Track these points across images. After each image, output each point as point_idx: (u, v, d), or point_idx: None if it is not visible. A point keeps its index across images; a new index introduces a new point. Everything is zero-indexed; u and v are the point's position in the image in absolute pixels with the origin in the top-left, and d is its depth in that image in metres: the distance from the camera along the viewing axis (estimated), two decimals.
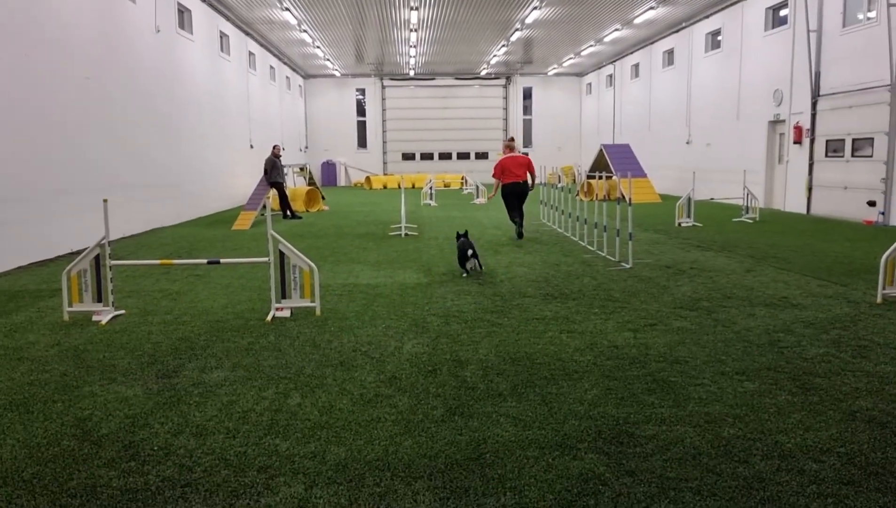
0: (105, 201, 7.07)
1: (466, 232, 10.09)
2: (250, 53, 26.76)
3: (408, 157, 41.36)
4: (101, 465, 3.70)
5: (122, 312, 7.35)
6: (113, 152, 14.43)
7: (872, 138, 15.96)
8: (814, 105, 18.06)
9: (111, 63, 14.48)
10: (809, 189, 18.45)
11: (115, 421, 4.31)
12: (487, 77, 40.40)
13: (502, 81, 40.91)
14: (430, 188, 24.98)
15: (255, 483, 3.46)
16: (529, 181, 13.22)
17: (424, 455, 3.75)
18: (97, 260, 7.08)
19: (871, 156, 16.05)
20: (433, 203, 23.89)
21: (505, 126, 41.32)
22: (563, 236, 13.87)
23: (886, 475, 3.46)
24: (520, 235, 13.28)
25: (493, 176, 13.37)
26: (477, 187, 25.75)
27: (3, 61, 10.62)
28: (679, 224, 15.72)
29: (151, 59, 16.72)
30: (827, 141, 17.74)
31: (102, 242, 7.01)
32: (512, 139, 14.25)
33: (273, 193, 18.74)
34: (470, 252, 9.39)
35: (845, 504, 3.19)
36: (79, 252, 7.15)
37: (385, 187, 35.99)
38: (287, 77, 34.45)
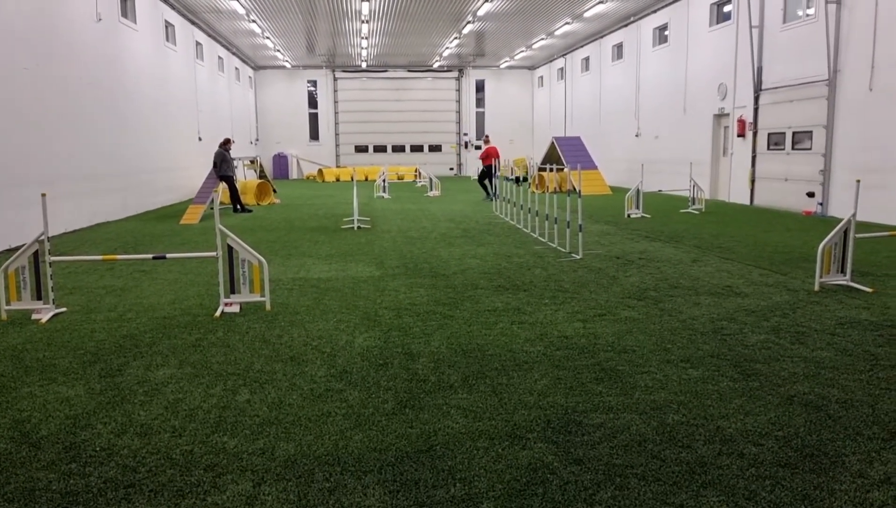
0: (43, 195, 6.84)
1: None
2: (197, 43, 26.17)
3: (361, 149, 41.07)
4: (40, 468, 3.59)
5: (64, 310, 7.14)
6: (53, 145, 13.97)
7: (811, 132, 16.48)
8: (756, 99, 18.55)
9: (50, 53, 13.99)
10: (752, 181, 18.96)
11: (55, 422, 4.19)
12: (440, 70, 40.35)
13: (455, 74, 40.91)
14: (384, 181, 24.86)
15: (201, 481, 3.41)
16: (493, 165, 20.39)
17: (375, 449, 3.75)
18: (36, 256, 6.85)
19: (810, 149, 16.57)
20: (386, 196, 23.80)
21: (458, 119, 41.37)
22: (516, 228, 13.97)
23: (821, 456, 3.59)
24: (488, 194, 21.08)
25: (481, 157, 22.05)
26: (430, 180, 25.74)
27: None
28: (628, 215, 15.99)
29: (93, 49, 16.21)
30: (769, 134, 18.25)
31: (41, 237, 6.79)
32: (487, 137, 23.74)
33: (223, 186, 18.41)
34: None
35: (782, 485, 3.30)
36: (16, 249, 6.91)
37: (338, 180, 35.71)
38: (236, 68, 33.81)
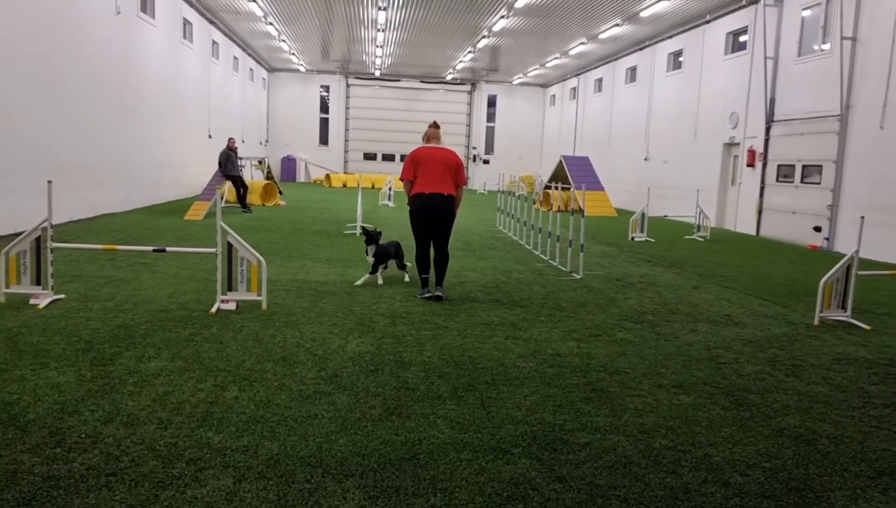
0: (49, 182, 6.87)
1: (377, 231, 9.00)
2: (214, 42, 26.35)
3: (369, 156, 41.21)
4: (24, 451, 3.58)
5: (62, 296, 7.15)
6: (64, 134, 14.05)
7: (821, 166, 16.48)
8: (767, 130, 18.58)
9: (66, 42, 14.10)
10: (759, 211, 18.95)
11: (43, 407, 4.19)
12: (453, 82, 40.53)
13: (467, 87, 41.09)
14: (389, 189, 24.92)
15: (182, 474, 3.40)
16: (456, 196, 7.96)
17: (358, 454, 3.73)
18: (38, 242, 6.87)
19: (819, 183, 16.56)
20: (391, 204, 23.84)
21: (468, 132, 41.51)
22: (518, 244, 13.97)
23: (806, 490, 3.56)
24: (426, 283, 8.10)
25: (403, 177, 8.06)
26: None
27: None
28: (632, 238, 15.98)
29: (109, 42, 16.33)
30: (778, 166, 18.26)
31: (44, 224, 6.82)
32: (436, 124, 8.45)
33: (228, 185, 18.47)
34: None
35: None
36: (21, 233, 6.94)
37: (345, 186, 35.80)
38: (251, 69, 34.02)
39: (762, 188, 18.87)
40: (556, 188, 15.22)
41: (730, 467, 3.80)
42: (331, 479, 3.43)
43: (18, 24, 12.16)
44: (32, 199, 11.92)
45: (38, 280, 6.93)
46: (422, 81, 40.42)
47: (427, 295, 7.93)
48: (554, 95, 39.85)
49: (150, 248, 7.52)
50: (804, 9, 17.36)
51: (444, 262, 8.02)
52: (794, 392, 5.17)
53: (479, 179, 39.77)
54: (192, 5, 22.71)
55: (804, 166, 17.19)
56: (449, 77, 39.27)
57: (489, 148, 41.81)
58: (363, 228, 9.08)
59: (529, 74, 36.60)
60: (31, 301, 6.83)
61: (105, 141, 16.24)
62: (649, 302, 8.44)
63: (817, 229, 16.40)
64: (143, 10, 18.63)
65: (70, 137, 14.34)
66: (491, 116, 41.90)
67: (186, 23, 22.72)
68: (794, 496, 3.50)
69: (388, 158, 41.20)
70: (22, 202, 12.03)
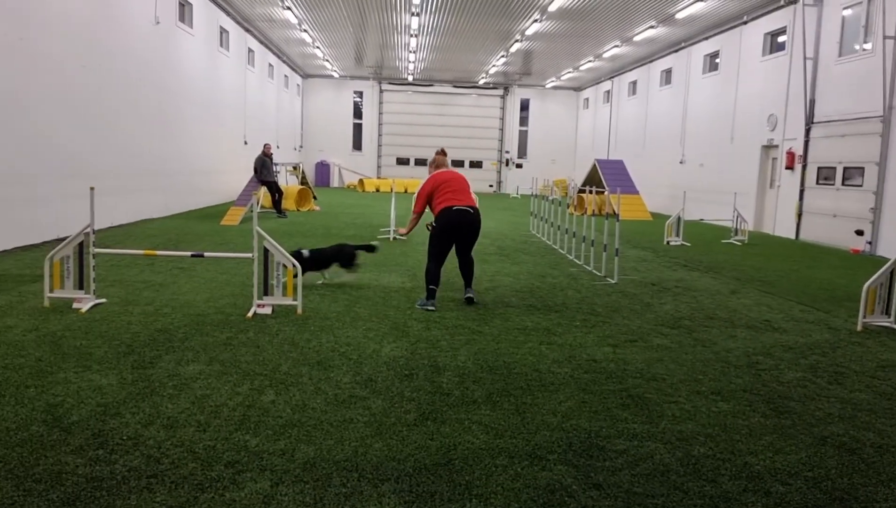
0: (92, 188, 7.04)
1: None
2: (249, 50, 26.75)
3: (402, 161, 41.38)
4: (68, 452, 3.67)
5: (103, 300, 7.31)
6: (106, 141, 14.38)
7: (863, 168, 16.10)
8: (807, 132, 18.21)
9: (109, 52, 14.43)
10: (799, 215, 18.58)
11: (86, 409, 4.28)
12: (485, 86, 40.52)
13: (500, 92, 41.03)
14: None
15: (221, 477, 3.45)
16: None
17: (393, 458, 3.74)
18: (80, 247, 7.04)
19: (861, 185, 16.18)
20: None
21: (501, 136, 41.45)
22: (552, 248, 13.90)
23: (851, 500, 3.48)
24: (433, 294, 7.75)
25: (415, 211, 8.08)
26: None
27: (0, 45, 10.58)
28: (668, 243, 15.79)
29: (149, 51, 16.69)
30: (818, 168, 17.88)
31: (87, 229, 6.98)
32: (443, 152, 8.59)
33: (263, 190, 18.70)
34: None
35: None
36: (65, 239, 7.11)
37: (378, 191, 35.99)
38: (285, 75, 34.44)
39: (802, 191, 18.49)
40: (590, 192, 15.11)
41: (771, 476, 3.72)
42: (367, 483, 3.44)
43: (63, 37, 12.49)
44: (75, 205, 12.20)
45: (80, 285, 7.10)
46: (454, 86, 40.49)
47: (431, 307, 7.60)
48: (587, 99, 39.59)
49: (189, 253, 7.65)
50: (845, 8, 16.99)
51: (471, 267, 8.10)
52: (836, 400, 5.05)
53: (512, 183, 39.67)
54: (228, 14, 23.09)
55: (845, 169, 16.81)
56: (481, 81, 39.28)
57: (522, 152, 41.68)
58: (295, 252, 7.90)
59: (563, 78, 36.43)
60: (74, 305, 6.99)
61: (145, 148, 16.59)
62: (686, 307, 8.32)
63: (859, 233, 16.01)
64: (182, 19, 18.99)
65: (111, 144, 14.67)
66: (524, 120, 41.78)
67: (223, 31, 23.10)
68: (838, 506, 3.41)
69: (421, 162, 41.27)
70: (66, 208, 12.33)
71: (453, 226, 7.76)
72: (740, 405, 4.85)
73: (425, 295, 7.77)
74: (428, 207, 8.00)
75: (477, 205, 7.98)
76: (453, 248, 7.99)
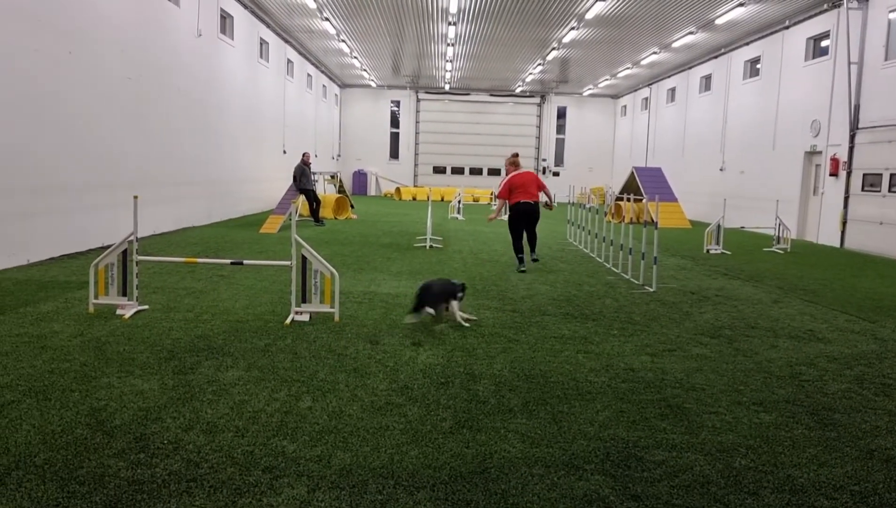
0: (136, 197, 7.20)
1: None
2: (289, 61, 27.15)
3: (439, 170, 41.50)
4: (111, 455, 3.75)
5: (146, 307, 7.46)
6: (149, 151, 14.72)
7: None
8: (852, 138, 17.78)
9: (152, 64, 14.79)
10: (844, 223, 18.12)
11: (128, 413, 4.37)
12: (522, 95, 40.47)
13: (536, 100, 40.94)
14: (459, 202, 25.02)
15: (259, 482, 3.49)
16: (545, 200, 11.79)
17: (429, 466, 3.74)
18: (124, 255, 7.21)
19: None
20: (460, 217, 23.93)
21: (537, 144, 41.32)
22: (589, 256, 13.79)
23: None
24: (522, 261, 11.37)
25: (499, 196, 11.82)
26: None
27: (49, 59, 10.92)
28: (707, 251, 15.54)
29: (192, 63, 17.06)
30: (864, 175, 17.43)
31: (130, 237, 7.14)
32: (516, 155, 11.96)
33: (301, 199, 18.92)
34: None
35: None
36: (110, 246, 7.29)
37: (414, 199, 36.15)
38: (324, 85, 34.86)
39: (846, 198, 18.04)
40: (628, 200, 14.96)
41: (815, 489, 3.63)
42: (402, 491, 3.45)
43: (109, 50, 12.84)
44: (120, 213, 12.52)
45: (124, 291, 7.26)
46: (491, 95, 40.53)
47: (523, 269, 11.30)
48: (625, 106, 39.26)
49: (228, 261, 7.78)
50: (891, 11, 16.57)
51: (534, 239, 11.83)
52: (884, 412, 4.90)
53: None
54: (268, 26, 23.49)
55: (892, 175, 16.36)
56: (518, 90, 39.24)
57: (559, 160, 41.48)
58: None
59: (600, 85, 36.20)
60: (118, 312, 7.16)
61: (188, 158, 16.94)
62: (726, 316, 8.17)
63: None
64: (223, 31, 19.38)
65: (155, 154, 15.01)
66: (560, 128, 41.59)
67: (263, 43, 23.50)
68: None
69: (458, 171, 41.40)
70: (111, 217, 12.64)
71: (521, 212, 11.48)
72: (783, 416, 4.74)
73: (517, 263, 11.49)
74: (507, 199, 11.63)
75: (538, 198, 11.56)
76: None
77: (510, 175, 11.55)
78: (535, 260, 11.79)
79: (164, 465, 3.65)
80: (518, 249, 11.54)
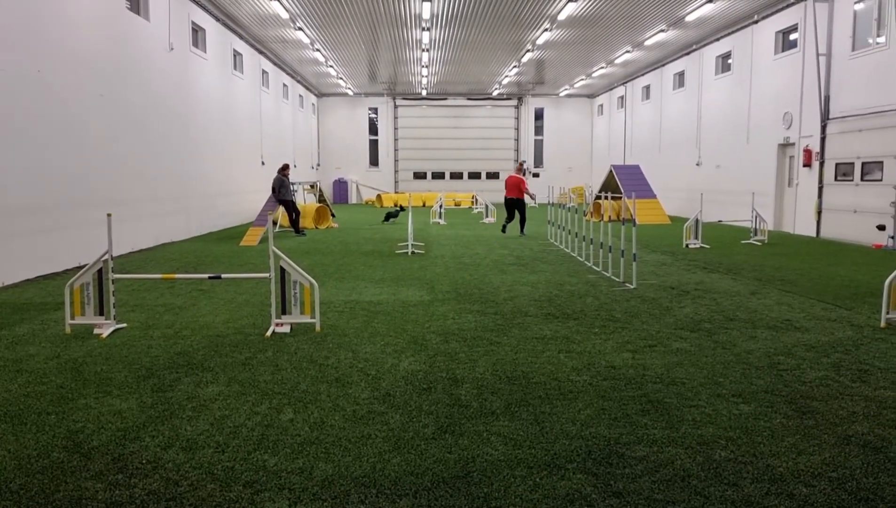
0: (109, 215, 7.14)
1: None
2: (263, 72, 27.05)
3: (419, 175, 41.52)
4: (88, 477, 3.71)
5: (124, 325, 7.39)
6: (124, 168, 14.59)
7: (882, 162, 15.89)
8: (823, 128, 18.02)
9: (125, 80, 14.68)
10: (819, 212, 18.35)
11: (106, 434, 4.33)
12: (499, 97, 40.61)
13: (514, 102, 41.10)
14: (440, 207, 25.04)
15: (239, 497, 3.46)
16: (522, 196, 18.78)
17: (412, 473, 3.74)
18: (100, 274, 7.13)
19: (880, 180, 15.96)
20: (442, 222, 23.94)
21: (516, 146, 41.46)
22: (570, 256, 13.85)
23: (877, 500, 3.41)
24: (504, 229, 19.28)
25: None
26: (486, 207, 25.80)
27: (17, 77, 10.80)
28: (686, 246, 15.66)
29: (165, 77, 16.94)
30: (836, 164, 17.67)
31: (105, 256, 7.08)
32: (521, 163, 19.97)
33: (281, 210, 18.84)
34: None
35: None
36: (85, 266, 7.21)
37: (396, 205, 36.09)
38: (300, 95, 34.77)
39: (820, 188, 18.27)
40: (607, 198, 15.05)
41: (794, 478, 3.66)
42: (384, 499, 3.44)
43: (80, 68, 12.72)
44: (96, 232, 12.39)
45: (101, 311, 7.19)
46: (468, 98, 40.64)
47: (503, 232, 19.11)
48: (601, 105, 39.52)
49: (206, 276, 7.72)
50: (856, 2, 16.83)
51: (523, 221, 18.97)
52: (861, 398, 4.96)
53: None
54: (241, 37, 23.39)
55: (864, 164, 16.59)
56: (495, 93, 39.37)
57: (538, 161, 41.64)
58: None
59: (576, 85, 36.41)
60: (95, 331, 7.08)
61: (164, 173, 16.81)
62: (706, 310, 8.24)
63: (881, 228, 15.78)
64: (195, 45, 19.28)
65: (130, 171, 14.88)
66: (539, 130, 41.78)
67: (236, 54, 23.40)
68: (864, 506, 3.35)
69: (438, 175, 41.44)
70: (87, 236, 12.51)
71: (506, 202, 18.98)
72: (762, 406, 4.79)
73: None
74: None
75: (519, 195, 18.71)
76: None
77: (508, 177, 19.07)
78: (522, 234, 18.70)
79: (143, 485, 3.61)
80: (506, 221, 19.35)
